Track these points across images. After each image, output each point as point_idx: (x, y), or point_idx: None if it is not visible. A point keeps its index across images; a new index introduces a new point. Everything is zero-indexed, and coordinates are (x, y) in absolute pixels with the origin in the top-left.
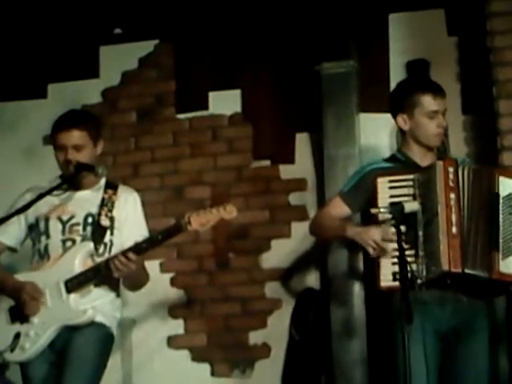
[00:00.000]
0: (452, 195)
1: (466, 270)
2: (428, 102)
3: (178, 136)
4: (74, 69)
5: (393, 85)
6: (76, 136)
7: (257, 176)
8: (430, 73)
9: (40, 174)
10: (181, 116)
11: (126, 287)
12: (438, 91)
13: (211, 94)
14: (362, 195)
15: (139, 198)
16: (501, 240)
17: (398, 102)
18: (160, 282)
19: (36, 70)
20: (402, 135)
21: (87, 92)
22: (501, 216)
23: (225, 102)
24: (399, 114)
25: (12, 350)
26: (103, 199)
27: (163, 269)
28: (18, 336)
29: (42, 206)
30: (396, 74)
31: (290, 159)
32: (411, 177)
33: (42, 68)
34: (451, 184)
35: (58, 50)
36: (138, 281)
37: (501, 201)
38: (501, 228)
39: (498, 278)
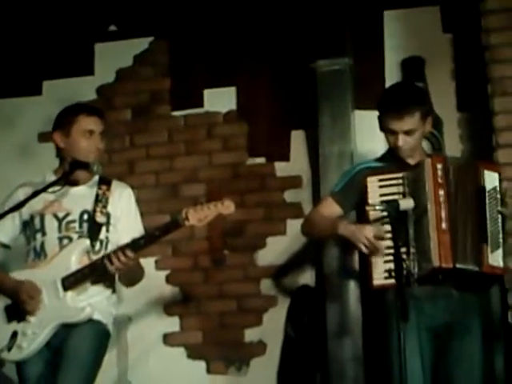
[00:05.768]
0: (441, 192)
1: (458, 265)
2: None
3: (173, 133)
4: (68, 66)
5: (388, 82)
6: (102, 124)
7: (252, 173)
8: (425, 70)
9: (35, 170)
10: (176, 113)
11: (122, 283)
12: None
13: (206, 92)
14: (354, 195)
15: (133, 193)
16: (489, 233)
17: None
18: (155, 280)
19: (31, 66)
20: None
21: (82, 89)
22: (487, 209)
23: (220, 100)
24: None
25: (9, 349)
26: (97, 195)
27: (158, 266)
28: (14, 335)
29: (37, 203)
30: (391, 71)
31: (285, 156)
32: (400, 175)
33: (37, 65)
34: (440, 181)
35: (52, 47)
36: (134, 277)
37: (487, 194)
38: (488, 222)
39: (489, 272)
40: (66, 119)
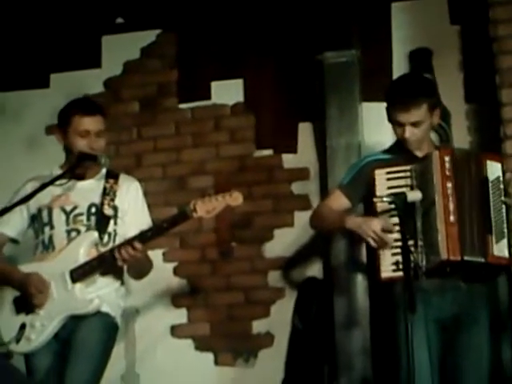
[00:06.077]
0: (449, 184)
1: (465, 258)
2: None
3: (181, 126)
4: (76, 58)
5: (395, 74)
6: (99, 121)
7: (259, 165)
8: (433, 62)
9: (43, 163)
10: (183, 106)
11: (131, 276)
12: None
13: (214, 84)
14: (361, 187)
15: (140, 186)
16: (493, 224)
17: None
18: (163, 272)
19: (38, 59)
20: None
21: (89, 82)
22: (491, 200)
23: (227, 92)
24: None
25: (18, 341)
26: (105, 188)
27: (166, 258)
28: (23, 327)
29: (44, 196)
30: (399, 63)
31: (292, 149)
32: (408, 168)
33: (45, 58)
34: (448, 173)
35: (60, 39)
36: (142, 269)
37: (490, 185)
38: (492, 212)
39: (494, 262)
40: (63, 119)
